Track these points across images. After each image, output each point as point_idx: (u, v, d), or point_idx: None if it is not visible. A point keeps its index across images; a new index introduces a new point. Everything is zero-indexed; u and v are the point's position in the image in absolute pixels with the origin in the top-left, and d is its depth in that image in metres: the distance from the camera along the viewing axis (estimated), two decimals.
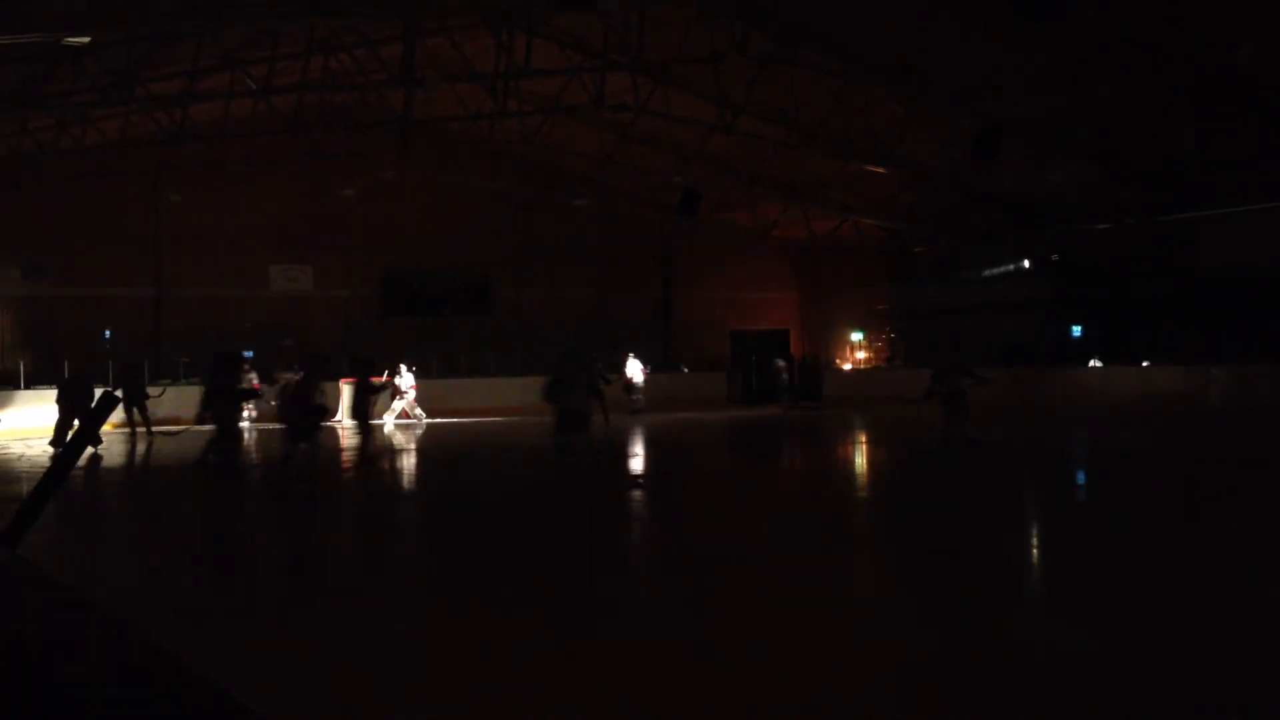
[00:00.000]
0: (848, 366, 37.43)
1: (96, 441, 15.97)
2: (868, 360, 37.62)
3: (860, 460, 18.26)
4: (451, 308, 35.11)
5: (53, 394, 20.69)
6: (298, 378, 15.96)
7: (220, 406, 14.01)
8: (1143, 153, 25.16)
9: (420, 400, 27.71)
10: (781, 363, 31.93)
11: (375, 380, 19.12)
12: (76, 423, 18.18)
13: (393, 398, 27.28)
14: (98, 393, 19.68)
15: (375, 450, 18.12)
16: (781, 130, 25.95)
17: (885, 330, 37.04)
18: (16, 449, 20.55)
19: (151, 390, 24.46)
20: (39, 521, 1.87)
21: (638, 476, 15.90)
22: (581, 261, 36.18)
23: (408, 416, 27.39)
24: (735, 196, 32.89)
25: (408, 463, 18.69)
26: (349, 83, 24.20)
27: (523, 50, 21.25)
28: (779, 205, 32.77)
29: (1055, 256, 31.33)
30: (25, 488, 14.81)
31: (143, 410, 23.37)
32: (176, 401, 25.03)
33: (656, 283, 38.30)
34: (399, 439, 23.26)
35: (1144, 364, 28.21)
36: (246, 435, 16.38)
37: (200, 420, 14.22)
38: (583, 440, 15.06)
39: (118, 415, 24.08)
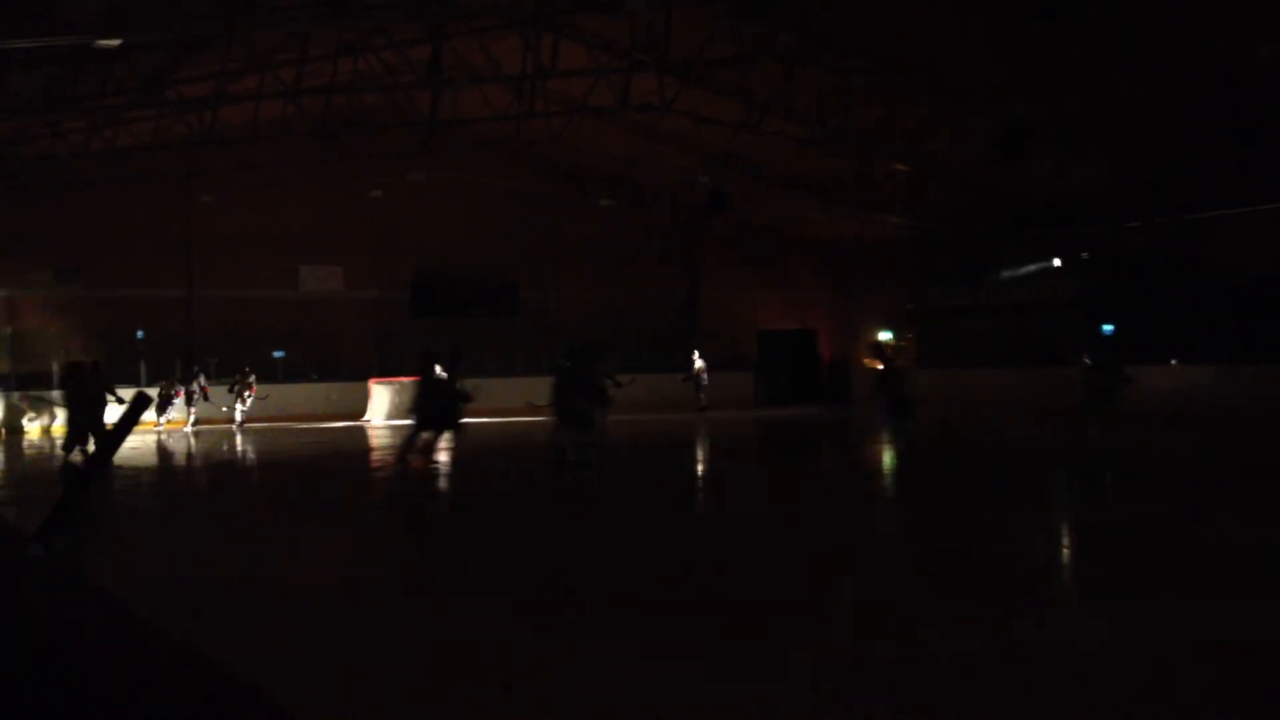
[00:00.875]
0: (880, 366, 37.19)
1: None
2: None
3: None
4: (479, 308, 35.20)
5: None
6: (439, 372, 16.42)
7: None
8: (1170, 151, 24.94)
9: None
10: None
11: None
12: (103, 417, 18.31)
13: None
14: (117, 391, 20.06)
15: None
16: (808, 129, 25.86)
17: (913, 330, 36.88)
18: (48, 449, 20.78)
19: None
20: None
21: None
22: (608, 262, 36.22)
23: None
24: (762, 196, 32.81)
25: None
26: (377, 84, 24.30)
27: (549, 51, 21.28)
28: (805, 205, 32.66)
29: (1085, 255, 31.08)
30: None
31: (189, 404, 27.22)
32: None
33: (683, 283, 38.30)
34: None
35: (1172, 362, 27.96)
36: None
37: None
38: (583, 440, 15.04)
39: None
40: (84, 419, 16.75)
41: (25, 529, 2.14)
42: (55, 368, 27.76)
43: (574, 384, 15.38)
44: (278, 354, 32.22)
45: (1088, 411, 17.97)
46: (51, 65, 20.46)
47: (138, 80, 21.43)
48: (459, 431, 16.28)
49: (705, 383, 30.43)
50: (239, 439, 25.17)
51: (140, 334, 31.77)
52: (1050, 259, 32.08)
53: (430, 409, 15.66)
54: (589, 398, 15.66)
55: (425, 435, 15.79)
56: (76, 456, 16.47)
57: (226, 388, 28.75)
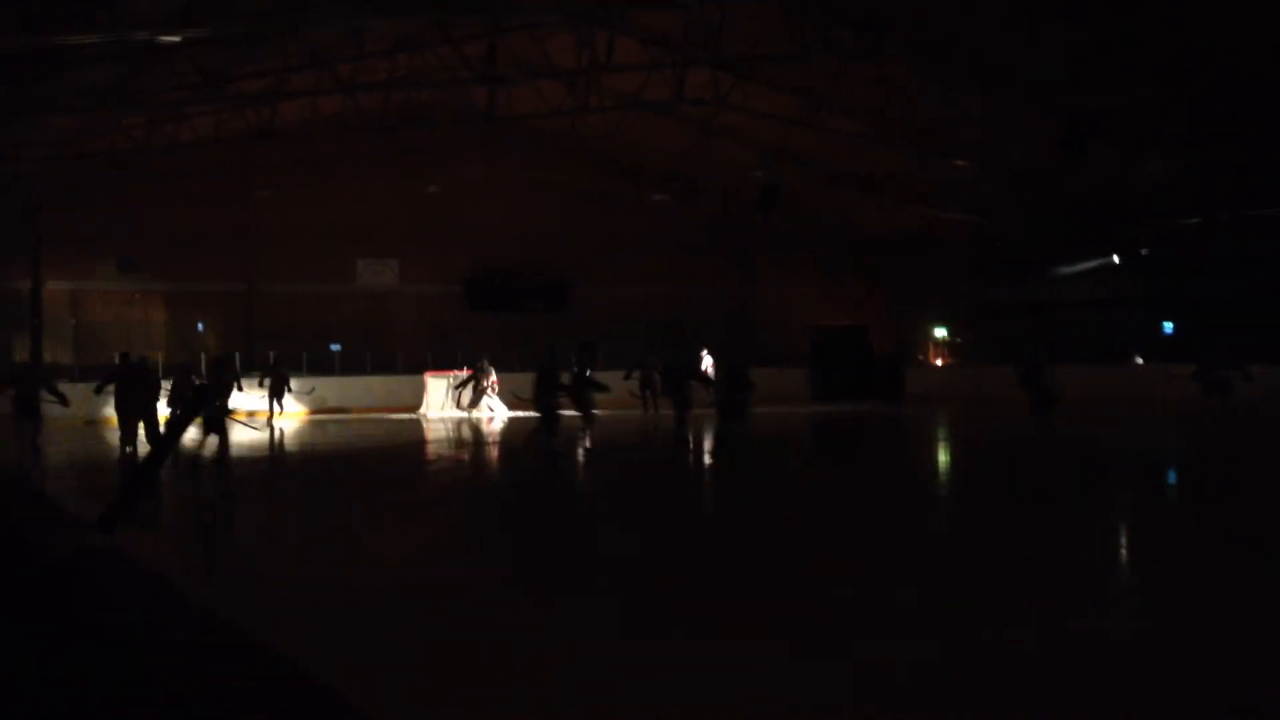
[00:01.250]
0: (939, 362, 36.99)
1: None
2: (949, 358, 37.17)
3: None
4: (532, 302, 35.38)
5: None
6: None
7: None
8: (1233, 147, 24.50)
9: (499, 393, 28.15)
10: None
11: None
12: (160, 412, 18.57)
13: (480, 393, 27.99)
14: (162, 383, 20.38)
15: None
16: (864, 124, 25.69)
17: (969, 327, 36.53)
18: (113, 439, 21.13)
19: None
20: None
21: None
22: (661, 256, 36.23)
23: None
24: (816, 191, 32.64)
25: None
26: (433, 80, 24.47)
27: (604, 47, 21.32)
28: (861, 200, 32.44)
29: (1145, 251, 30.61)
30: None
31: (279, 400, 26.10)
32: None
33: (736, 278, 38.22)
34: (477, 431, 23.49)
35: None
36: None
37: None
38: (552, 439, 16.27)
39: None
40: (137, 412, 16.98)
41: (87, 518, 2.19)
42: (117, 359, 28.19)
43: (550, 380, 16.65)
44: (335, 347, 32.57)
45: (1207, 409, 17.60)
46: (116, 62, 20.81)
47: (199, 77, 21.76)
48: (588, 422, 17.54)
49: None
50: (273, 434, 23.78)
51: (200, 326, 32.27)
52: (1110, 255, 31.62)
53: (551, 399, 16.55)
54: (568, 391, 17.00)
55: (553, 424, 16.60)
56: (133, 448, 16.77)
57: (256, 381, 26.50)
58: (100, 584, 1.72)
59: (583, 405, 17.38)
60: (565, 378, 17.16)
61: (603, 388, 17.69)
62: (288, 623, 6.35)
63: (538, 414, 16.73)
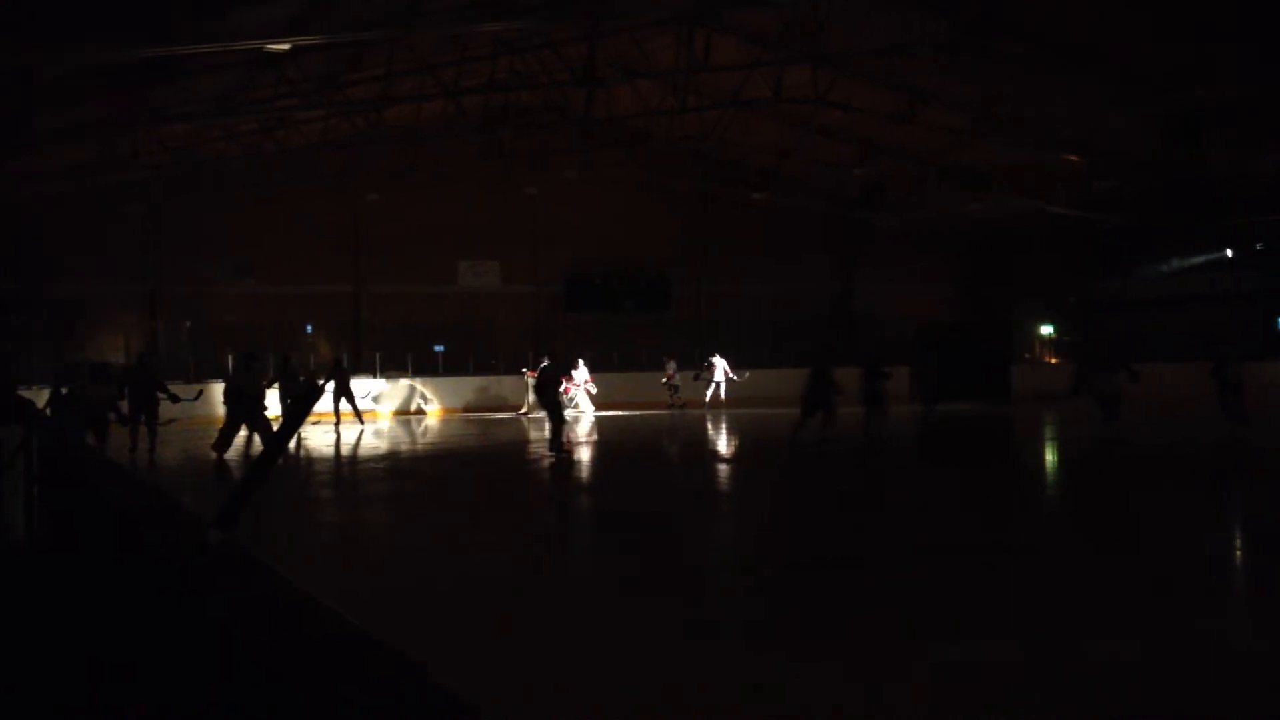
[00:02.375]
0: (1054, 360, 36.24)
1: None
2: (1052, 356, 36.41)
3: None
4: (631, 302, 35.52)
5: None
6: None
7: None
8: None
9: (598, 393, 28.29)
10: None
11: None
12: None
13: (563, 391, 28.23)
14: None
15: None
16: (967, 118, 25.29)
17: (1076, 324, 35.73)
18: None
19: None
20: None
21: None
22: (761, 255, 36.16)
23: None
24: (917, 187, 32.20)
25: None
26: (533, 83, 24.70)
27: (702, 46, 21.30)
28: (964, 195, 31.92)
29: (1260, 246, 29.63)
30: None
31: (351, 402, 24.85)
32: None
33: (836, 276, 37.93)
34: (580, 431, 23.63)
35: None
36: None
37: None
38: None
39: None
40: (245, 414, 17.16)
41: (204, 516, 2.26)
42: (230, 361, 28.93)
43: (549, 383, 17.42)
44: (438, 348, 33.04)
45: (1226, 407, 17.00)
46: (228, 71, 21.42)
47: (308, 83, 22.28)
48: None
49: (718, 380, 29.55)
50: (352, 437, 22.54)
51: (309, 328, 33.02)
52: (1224, 250, 30.70)
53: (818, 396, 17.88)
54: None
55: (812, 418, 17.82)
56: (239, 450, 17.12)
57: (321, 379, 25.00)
58: (219, 581, 1.78)
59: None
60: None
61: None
62: (400, 617, 6.47)
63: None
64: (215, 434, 17.48)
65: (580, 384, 27.99)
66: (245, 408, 17.11)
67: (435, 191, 31.98)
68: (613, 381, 30.43)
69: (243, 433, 17.69)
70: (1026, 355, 36.77)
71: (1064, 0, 19.64)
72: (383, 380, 30.43)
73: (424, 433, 24.27)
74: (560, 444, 17.12)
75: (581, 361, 28.09)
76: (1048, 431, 22.21)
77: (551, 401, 17.35)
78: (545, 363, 17.94)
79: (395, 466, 17.28)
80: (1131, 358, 19.42)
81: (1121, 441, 16.67)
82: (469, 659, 5.72)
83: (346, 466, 17.55)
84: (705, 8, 20.21)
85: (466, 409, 30.65)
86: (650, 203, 35.07)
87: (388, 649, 1.33)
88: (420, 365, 31.81)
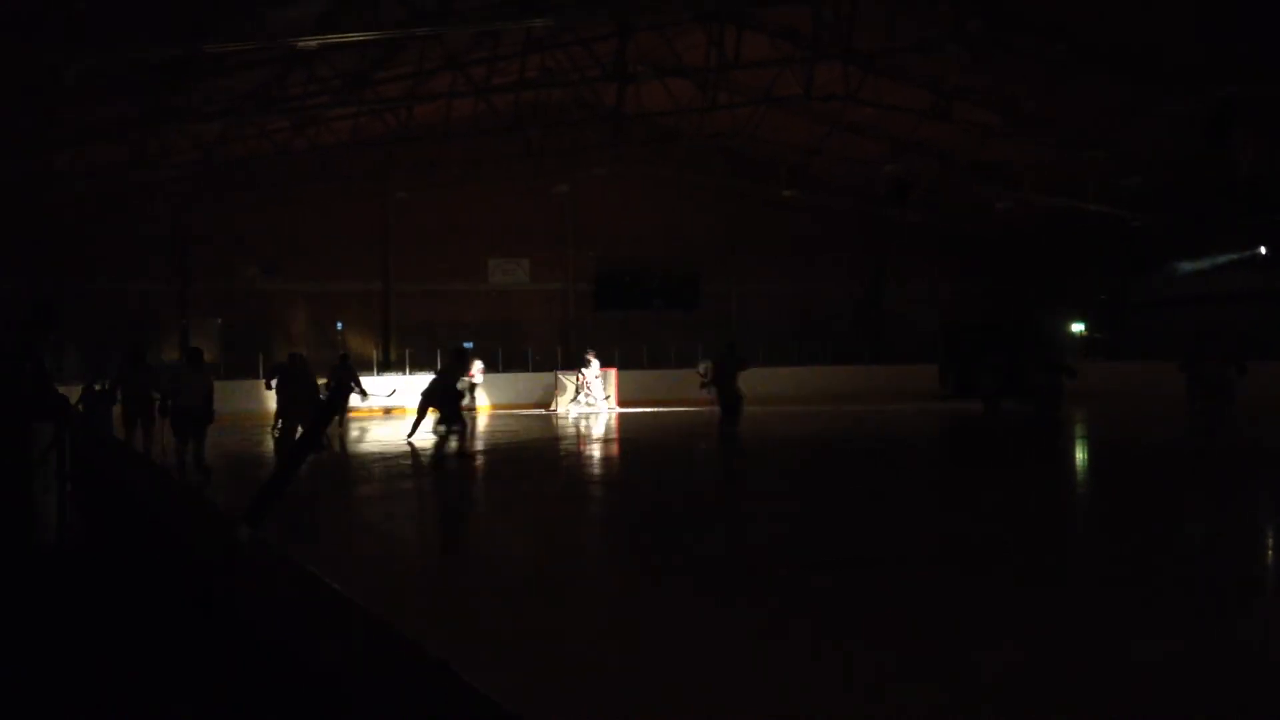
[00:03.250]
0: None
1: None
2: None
3: None
4: (661, 300, 35.51)
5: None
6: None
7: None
8: None
9: (625, 389, 28.45)
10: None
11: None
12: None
13: (578, 389, 28.54)
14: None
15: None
16: (997, 116, 25.12)
17: (1107, 322, 35.42)
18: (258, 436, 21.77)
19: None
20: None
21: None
22: (790, 252, 36.09)
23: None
24: (949, 185, 31.99)
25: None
26: (564, 80, 24.70)
27: (733, 43, 21.24)
28: (994, 193, 31.70)
29: None
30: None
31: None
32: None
33: (866, 273, 37.79)
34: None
35: None
36: None
37: None
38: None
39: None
40: (296, 411, 16.77)
41: (233, 513, 2.25)
42: (261, 358, 29.09)
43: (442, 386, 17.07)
44: (467, 345, 33.12)
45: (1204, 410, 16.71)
46: (260, 68, 21.53)
47: (339, 81, 22.36)
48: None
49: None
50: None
51: (340, 325, 33.19)
52: (1257, 248, 30.36)
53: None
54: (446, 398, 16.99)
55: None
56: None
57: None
58: (245, 576, 1.77)
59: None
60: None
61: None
62: (420, 611, 6.48)
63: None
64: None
65: (592, 378, 28.31)
66: (440, 399, 17.02)
67: (465, 189, 32.04)
68: (640, 379, 30.48)
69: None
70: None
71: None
72: (399, 377, 30.22)
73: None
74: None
75: (593, 356, 28.37)
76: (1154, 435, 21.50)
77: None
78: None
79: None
80: (1165, 356, 19.28)
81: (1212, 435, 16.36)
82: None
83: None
84: (733, 4, 20.14)
85: (495, 406, 30.72)
86: (680, 200, 35.03)
87: (416, 647, 1.32)
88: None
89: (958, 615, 6.74)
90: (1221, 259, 31.30)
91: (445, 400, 16.73)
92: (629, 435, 22.04)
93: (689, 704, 5.12)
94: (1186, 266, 32.27)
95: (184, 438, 14.62)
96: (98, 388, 17.02)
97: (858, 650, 5.94)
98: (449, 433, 16.45)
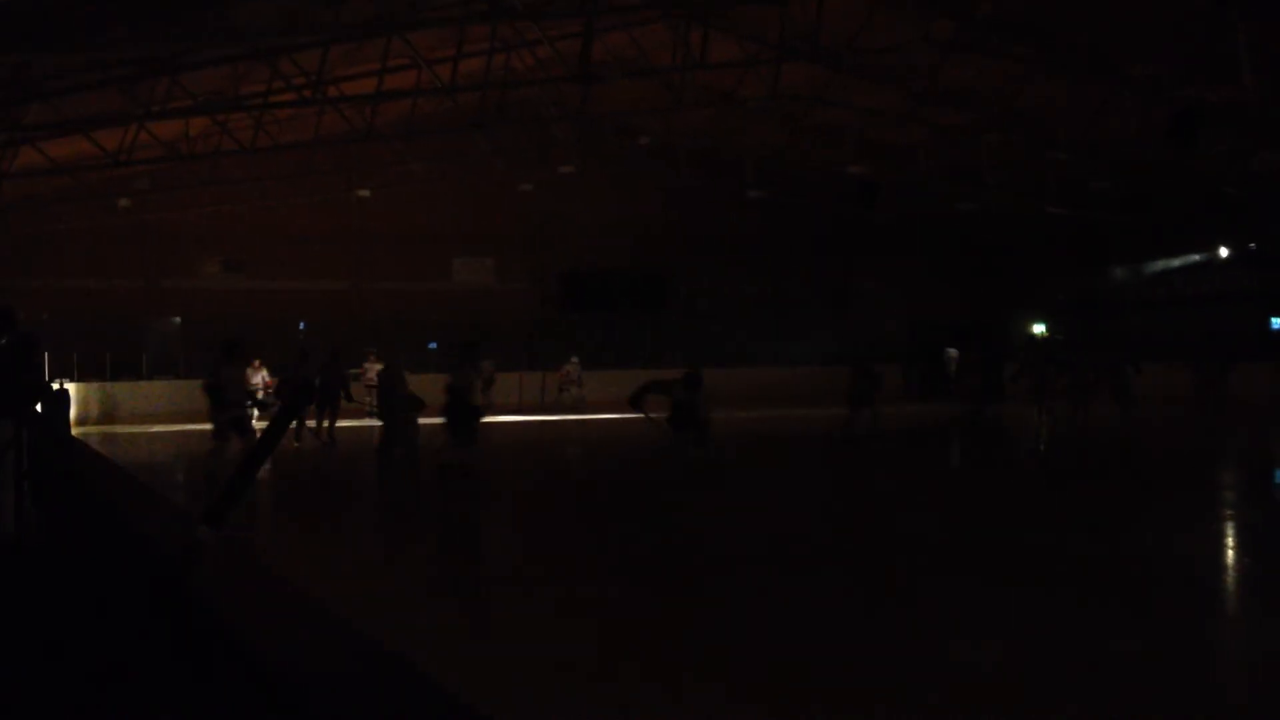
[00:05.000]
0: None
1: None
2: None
3: None
4: (627, 301, 35.46)
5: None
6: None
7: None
8: None
9: (591, 391, 28.60)
10: (953, 352, 31.05)
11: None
12: None
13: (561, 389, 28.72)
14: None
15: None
16: (964, 116, 25.28)
17: (1071, 322, 35.70)
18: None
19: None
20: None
21: None
22: (758, 253, 36.17)
23: None
24: (916, 185, 32.16)
25: None
26: (529, 79, 24.61)
27: (699, 43, 21.23)
28: (962, 194, 31.91)
29: (1252, 246, 29.69)
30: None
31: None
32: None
33: (833, 274, 37.92)
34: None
35: None
36: None
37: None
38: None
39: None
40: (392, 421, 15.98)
41: (194, 513, 2.21)
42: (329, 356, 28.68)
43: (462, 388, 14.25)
44: (432, 345, 32.98)
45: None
46: (221, 66, 21.31)
47: (302, 78, 22.17)
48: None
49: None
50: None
51: (302, 325, 32.93)
52: (1219, 250, 30.76)
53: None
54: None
55: None
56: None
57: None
58: (206, 576, 1.73)
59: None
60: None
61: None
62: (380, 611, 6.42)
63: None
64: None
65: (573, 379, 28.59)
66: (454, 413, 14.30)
67: (430, 188, 31.85)
68: (605, 379, 30.41)
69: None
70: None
71: (1060, 2, 19.61)
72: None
73: None
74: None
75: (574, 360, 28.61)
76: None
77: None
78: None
79: None
80: (1125, 357, 19.81)
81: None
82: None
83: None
84: (702, 2, 20.15)
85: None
86: (648, 200, 34.95)
87: (372, 642, 1.30)
88: (416, 363, 31.67)
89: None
90: (1185, 260, 31.71)
91: (459, 416, 14.00)
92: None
93: None
94: (1150, 267, 32.65)
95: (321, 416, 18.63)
96: (56, 387, 16.85)
97: None
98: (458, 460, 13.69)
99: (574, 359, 30.17)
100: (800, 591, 7.58)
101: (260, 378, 22.25)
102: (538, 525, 11.30)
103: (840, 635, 6.41)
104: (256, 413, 21.76)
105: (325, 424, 19.93)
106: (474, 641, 6.42)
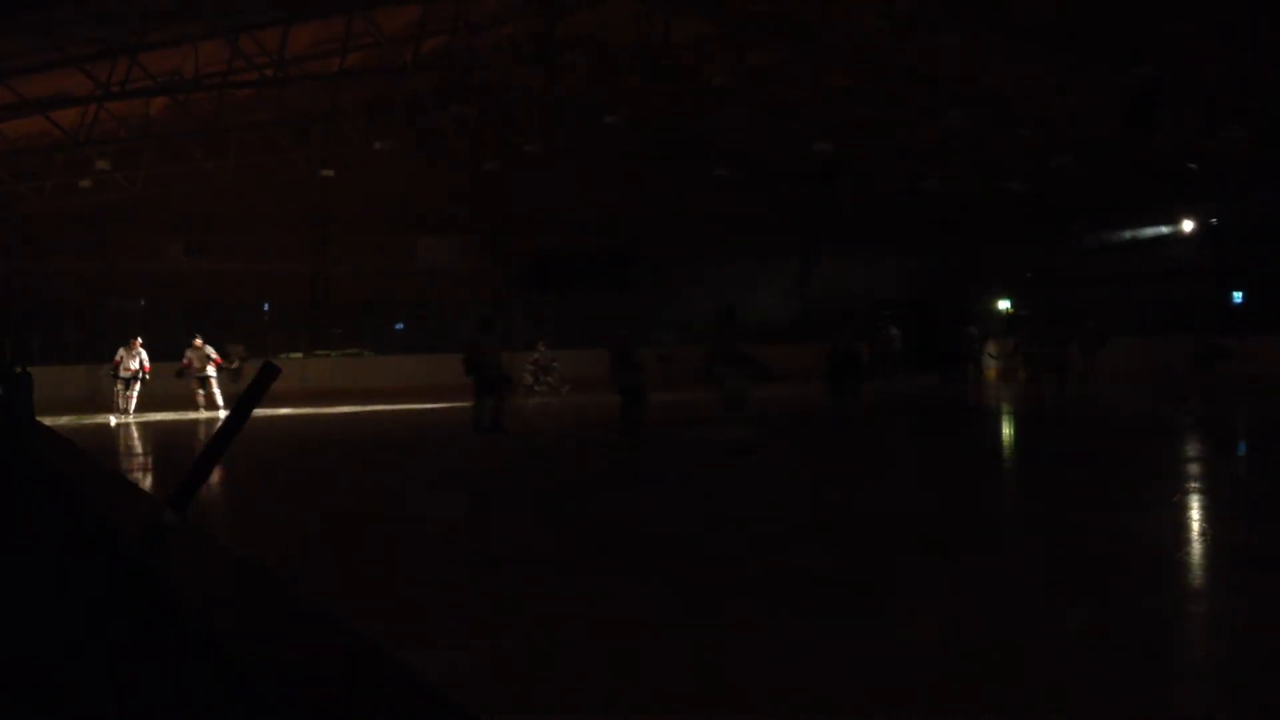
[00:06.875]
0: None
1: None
2: None
3: None
4: (595, 281, 35.41)
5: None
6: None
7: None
8: None
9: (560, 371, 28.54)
10: (895, 331, 31.20)
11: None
12: None
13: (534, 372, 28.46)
14: None
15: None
16: (926, 94, 25.37)
17: (1033, 299, 35.99)
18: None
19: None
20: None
21: None
22: (723, 233, 36.15)
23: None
24: (879, 164, 32.28)
25: None
26: (493, 59, 24.51)
27: (661, 22, 21.23)
28: (924, 171, 32.05)
29: (1214, 221, 30.03)
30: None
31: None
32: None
33: (798, 253, 38.05)
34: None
35: None
36: None
37: None
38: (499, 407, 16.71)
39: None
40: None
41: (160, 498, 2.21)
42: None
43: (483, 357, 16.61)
44: (399, 326, 32.87)
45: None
46: (182, 46, 21.09)
47: (264, 58, 21.99)
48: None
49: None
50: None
51: (266, 306, 32.72)
52: (1180, 226, 31.09)
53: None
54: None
55: None
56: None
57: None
58: (171, 560, 1.74)
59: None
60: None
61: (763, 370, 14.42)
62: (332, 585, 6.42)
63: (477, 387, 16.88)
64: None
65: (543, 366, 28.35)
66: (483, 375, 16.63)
67: (394, 168, 31.65)
68: (573, 359, 30.40)
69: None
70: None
71: None
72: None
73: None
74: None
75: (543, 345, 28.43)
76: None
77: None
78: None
79: None
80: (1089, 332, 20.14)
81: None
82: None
83: None
84: None
85: (403, 391, 30.47)
86: (615, 180, 34.87)
87: (347, 631, 1.30)
88: (381, 344, 31.61)
89: None
90: (1147, 235, 32.01)
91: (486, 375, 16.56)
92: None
93: None
94: (1111, 243, 32.95)
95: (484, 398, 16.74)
96: (18, 370, 16.71)
97: None
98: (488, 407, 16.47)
99: (541, 345, 29.18)
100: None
101: (138, 361, 22.55)
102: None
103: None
104: (123, 389, 22.09)
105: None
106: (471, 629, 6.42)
